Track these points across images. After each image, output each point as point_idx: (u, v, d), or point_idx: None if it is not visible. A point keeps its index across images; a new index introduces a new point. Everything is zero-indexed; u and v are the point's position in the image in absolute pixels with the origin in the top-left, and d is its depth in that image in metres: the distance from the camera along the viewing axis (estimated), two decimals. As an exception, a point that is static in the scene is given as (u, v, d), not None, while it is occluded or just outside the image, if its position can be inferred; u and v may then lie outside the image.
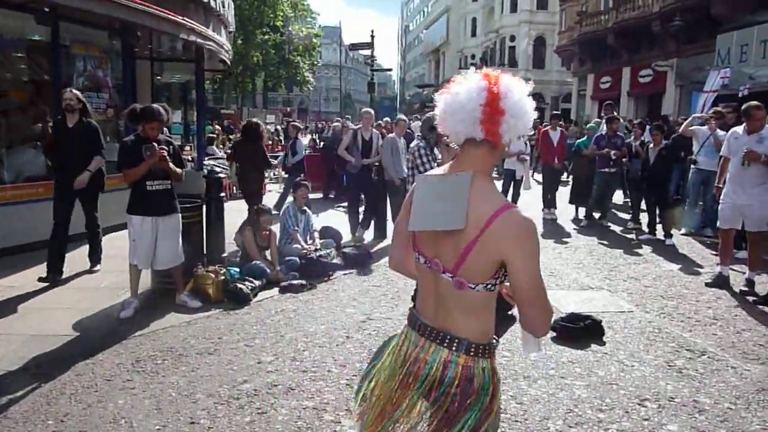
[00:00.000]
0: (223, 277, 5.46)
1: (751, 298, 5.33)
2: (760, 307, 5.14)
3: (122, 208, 4.90)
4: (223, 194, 6.50)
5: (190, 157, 11.72)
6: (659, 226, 8.16)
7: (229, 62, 13.54)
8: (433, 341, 1.62)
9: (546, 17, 39.65)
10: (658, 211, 8.26)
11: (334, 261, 6.30)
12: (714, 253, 6.96)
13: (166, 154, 4.71)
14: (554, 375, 3.73)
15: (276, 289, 5.68)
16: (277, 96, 68.60)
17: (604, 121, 10.40)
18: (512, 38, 41.70)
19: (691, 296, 5.42)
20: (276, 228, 6.68)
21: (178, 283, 5.23)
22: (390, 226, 8.21)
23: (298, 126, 12.32)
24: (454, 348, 1.59)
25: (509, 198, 10.58)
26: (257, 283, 5.59)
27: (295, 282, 5.76)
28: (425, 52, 66.63)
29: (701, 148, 8.01)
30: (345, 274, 6.31)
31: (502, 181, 10.56)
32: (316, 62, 59.13)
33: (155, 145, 4.69)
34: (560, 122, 10.62)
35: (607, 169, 9.16)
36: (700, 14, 19.05)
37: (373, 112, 8.63)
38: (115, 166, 4.87)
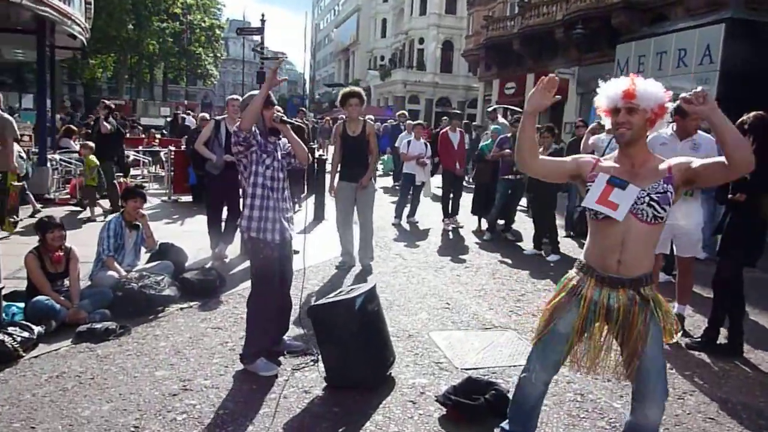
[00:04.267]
0: (-17, 323, 3.76)
1: (683, 341, 4.36)
2: (695, 353, 4.16)
3: None
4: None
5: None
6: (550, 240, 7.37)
7: (84, 39, 11.40)
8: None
9: (454, 21, 39.53)
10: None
11: (165, 292, 4.69)
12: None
13: None
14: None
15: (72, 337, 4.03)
16: (178, 89, 64.60)
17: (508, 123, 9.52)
18: (421, 41, 41.26)
19: (613, 338, 4.36)
20: (90, 248, 5.03)
21: None
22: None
23: None
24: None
25: (408, 205, 9.44)
26: (37, 329, 3.89)
27: (97, 326, 4.11)
28: (335, 51, 65.18)
29: (603, 155, 7.23)
30: (182, 308, 4.74)
31: (400, 186, 9.42)
32: (219, 55, 56.07)
33: None
34: (460, 123, 9.51)
35: (510, 176, 8.16)
36: (601, 24, 19.12)
37: (240, 98, 7.03)
38: None
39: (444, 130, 9.51)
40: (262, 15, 19.54)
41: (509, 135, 8.39)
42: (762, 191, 4.00)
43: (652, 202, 2.24)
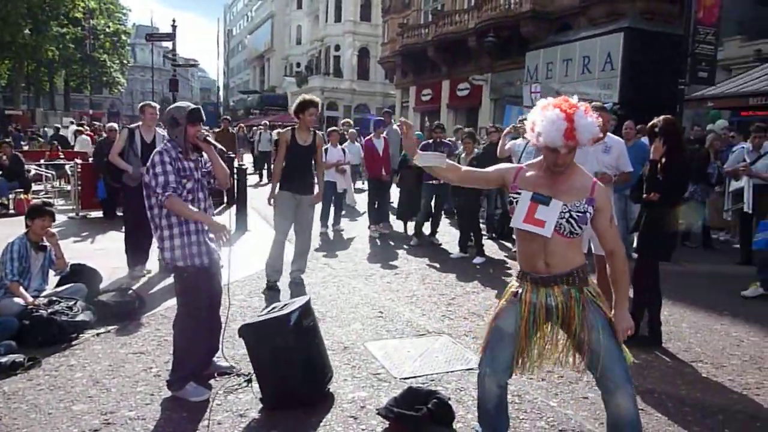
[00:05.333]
0: None
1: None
2: (618, 347, 4.36)
3: None
4: None
5: None
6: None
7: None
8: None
9: (369, 29, 39.93)
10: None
11: (79, 317, 4.34)
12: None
13: None
14: None
15: (-28, 374, 3.63)
16: (82, 97, 60.94)
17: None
18: (337, 48, 41.33)
19: (542, 337, 4.49)
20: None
21: None
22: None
23: None
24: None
25: (331, 213, 9.31)
26: (-72, 369, 3.49)
27: (2, 359, 3.73)
28: (249, 58, 63.94)
29: (520, 160, 7.51)
30: (99, 334, 4.40)
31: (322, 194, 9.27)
32: (126, 62, 53.45)
33: None
34: (383, 130, 9.53)
35: (434, 181, 8.28)
36: (511, 32, 19.92)
37: (157, 106, 6.69)
38: None
39: (368, 137, 9.49)
40: (173, 20, 18.74)
41: (431, 141, 8.54)
42: (674, 190, 4.26)
43: (570, 219, 2.39)
